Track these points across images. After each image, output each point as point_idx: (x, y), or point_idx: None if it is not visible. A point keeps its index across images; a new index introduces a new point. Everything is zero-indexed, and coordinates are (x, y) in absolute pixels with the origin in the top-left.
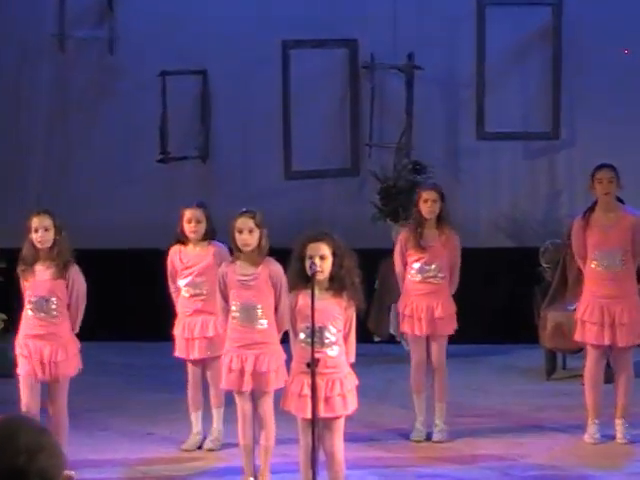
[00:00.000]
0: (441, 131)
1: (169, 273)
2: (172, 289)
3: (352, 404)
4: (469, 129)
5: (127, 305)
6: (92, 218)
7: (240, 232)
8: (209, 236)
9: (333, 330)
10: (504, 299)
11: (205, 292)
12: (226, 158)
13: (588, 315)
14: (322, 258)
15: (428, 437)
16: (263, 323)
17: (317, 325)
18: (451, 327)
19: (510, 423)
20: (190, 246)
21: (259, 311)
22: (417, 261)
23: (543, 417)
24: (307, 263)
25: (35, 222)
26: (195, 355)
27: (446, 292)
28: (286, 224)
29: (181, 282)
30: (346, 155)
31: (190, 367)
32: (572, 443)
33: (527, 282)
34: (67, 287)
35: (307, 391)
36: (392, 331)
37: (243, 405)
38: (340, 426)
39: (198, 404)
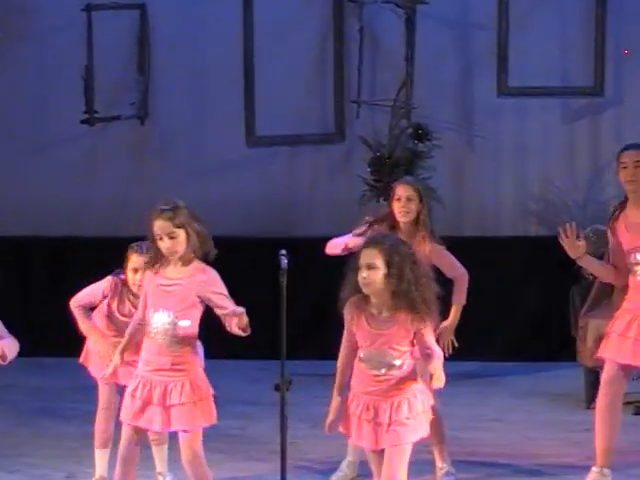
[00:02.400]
0: (451, 85)
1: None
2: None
3: (423, 429)
4: (488, 83)
5: (31, 310)
6: None
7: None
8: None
9: (396, 354)
10: (531, 303)
11: None
12: (170, 118)
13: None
14: (370, 267)
15: None
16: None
17: (377, 349)
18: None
19: (537, 463)
20: None
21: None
22: None
23: (582, 456)
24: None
25: None
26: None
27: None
28: (249, 205)
29: None
30: (327, 116)
31: (104, 388)
32: None
33: (562, 281)
34: None
35: (367, 415)
36: None
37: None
38: (402, 456)
39: (108, 438)
